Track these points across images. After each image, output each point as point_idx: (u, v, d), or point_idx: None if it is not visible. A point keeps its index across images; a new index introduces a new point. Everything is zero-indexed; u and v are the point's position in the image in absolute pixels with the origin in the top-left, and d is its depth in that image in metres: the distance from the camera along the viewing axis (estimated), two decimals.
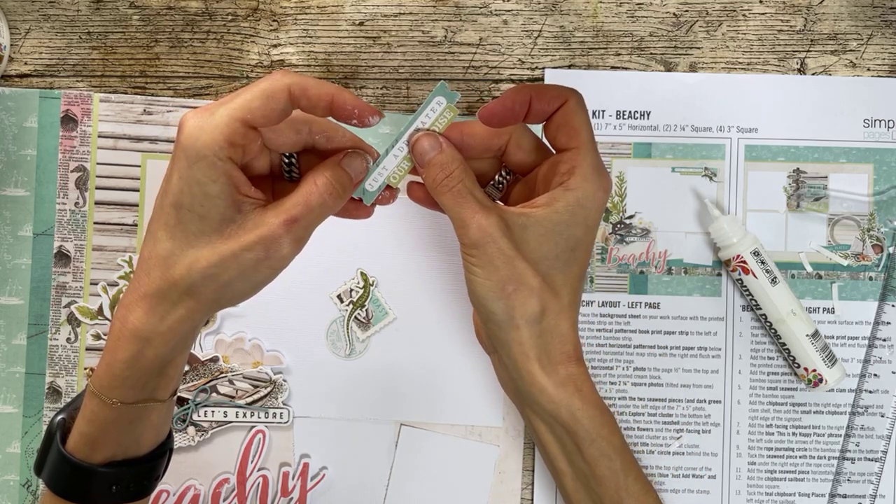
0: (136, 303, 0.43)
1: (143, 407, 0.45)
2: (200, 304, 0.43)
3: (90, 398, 0.45)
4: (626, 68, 0.61)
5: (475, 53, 0.61)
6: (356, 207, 0.47)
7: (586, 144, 0.46)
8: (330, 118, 0.45)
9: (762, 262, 0.58)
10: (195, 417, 0.60)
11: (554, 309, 0.46)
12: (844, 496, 0.60)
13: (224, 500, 0.60)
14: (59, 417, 0.47)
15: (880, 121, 0.61)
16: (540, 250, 0.45)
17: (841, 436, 0.60)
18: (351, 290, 0.61)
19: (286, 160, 0.47)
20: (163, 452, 0.48)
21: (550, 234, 0.45)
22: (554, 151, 0.48)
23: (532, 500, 0.60)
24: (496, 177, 0.50)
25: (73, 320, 0.60)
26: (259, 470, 0.60)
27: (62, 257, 0.61)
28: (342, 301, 0.61)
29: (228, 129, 0.41)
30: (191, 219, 0.42)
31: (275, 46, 0.61)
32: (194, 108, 0.60)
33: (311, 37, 0.61)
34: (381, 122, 0.45)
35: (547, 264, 0.46)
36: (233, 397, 0.60)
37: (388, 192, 0.47)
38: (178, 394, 0.60)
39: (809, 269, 0.61)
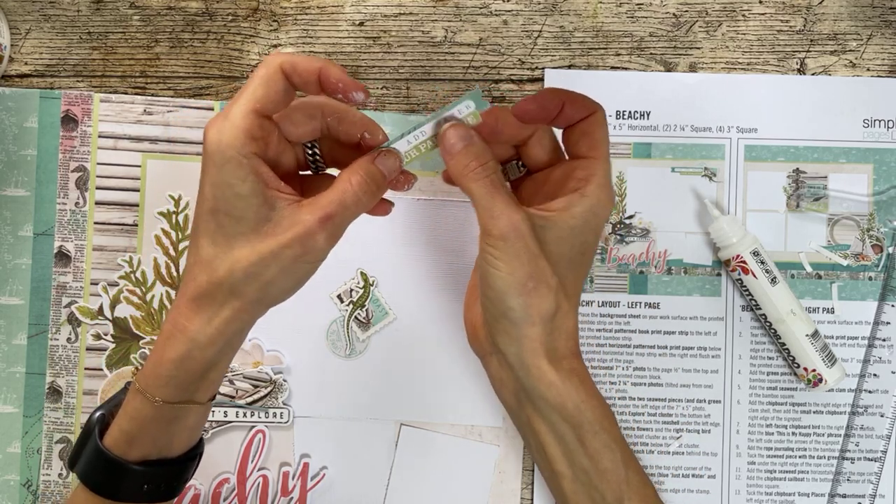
0: (186, 306, 0.44)
1: (182, 408, 0.46)
2: (245, 303, 0.44)
3: (134, 395, 0.46)
4: (625, 68, 0.61)
5: (475, 53, 0.61)
6: (377, 204, 0.48)
7: (605, 156, 0.48)
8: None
9: (762, 262, 0.58)
10: None
11: (564, 308, 0.47)
12: (844, 496, 0.60)
13: (224, 500, 0.60)
14: (99, 413, 0.48)
15: (880, 121, 0.61)
16: (557, 252, 0.46)
17: (841, 436, 0.60)
18: (351, 290, 0.61)
19: (309, 150, 0.48)
20: (194, 455, 0.49)
21: (567, 236, 0.46)
22: (567, 157, 0.49)
23: (532, 500, 0.60)
24: (516, 161, 0.51)
25: (73, 320, 0.60)
26: (259, 470, 0.60)
27: (62, 257, 0.61)
28: (342, 301, 0.61)
29: (245, 123, 0.42)
30: (228, 222, 0.43)
31: (275, 46, 0.61)
32: (194, 108, 0.61)
33: (311, 37, 0.61)
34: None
35: (562, 266, 0.47)
36: (233, 397, 0.60)
37: (402, 177, 0.48)
38: None
39: (809, 269, 0.61)
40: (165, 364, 0.45)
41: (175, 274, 0.60)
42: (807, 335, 0.58)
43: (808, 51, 0.61)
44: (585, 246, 0.48)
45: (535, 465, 0.60)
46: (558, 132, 0.50)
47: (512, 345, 0.47)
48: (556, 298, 0.46)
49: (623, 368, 0.61)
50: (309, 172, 0.49)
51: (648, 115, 0.61)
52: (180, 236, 0.61)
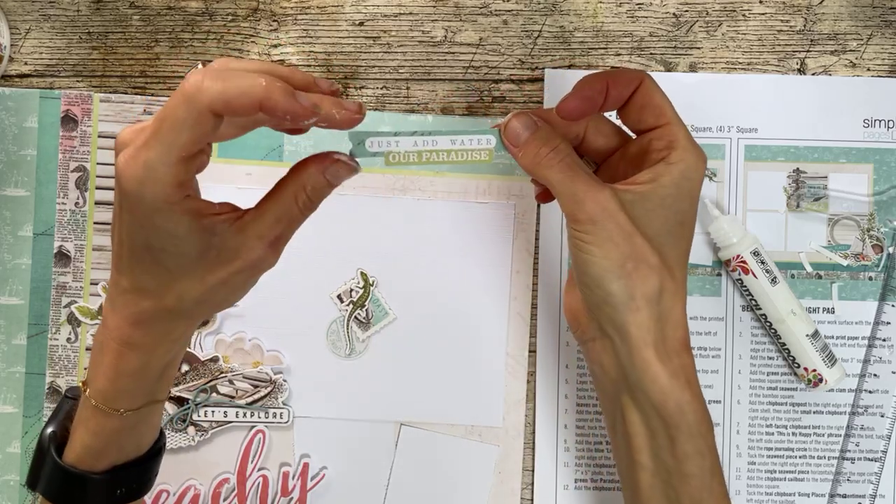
0: (130, 327, 0.42)
1: (146, 410, 0.45)
2: (198, 318, 0.45)
3: (93, 412, 0.45)
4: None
5: (475, 53, 0.61)
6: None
7: (675, 119, 0.45)
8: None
9: (762, 262, 0.58)
10: (195, 417, 0.60)
11: (670, 289, 0.44)
12: (844, 496, 0.60)
13: (224, 500, 0.60)
14: (49, 430, 0.47)
15: (880, 121, 0.61)
16: (652, 226, 0.44)
17: (841, 436, 0.60)
18: (351, 290, 0.61)
19: None
20: (159, 449, 0.49)
21: (659, 208, 0.44)
22: (633, 135, 0.47)
23: (532, 500, 0.60)
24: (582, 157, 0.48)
25: (73, 320, 0.60)
26: (259, 470, 0.60)
27: (62, 257, 0.61)
28: (342, 301, 0.61)
29: (172, 176, 0.37)
30: (166, 257, 0.40)
31: (275, 46, 0.61)
32: None
33: (311, 37, 0.61)
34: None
35: (660, 240, 0.44)
36: (233, 397, 0.60)
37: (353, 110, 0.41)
38: (179, 394, 0.60)
39: (809, 269, 0.61)
40: (124, 379, 0.43)
41: None
42: (807, 335, 0.58)
43: (808, 51, 0.61)
44: (682, 215, 0.45)
45: (541, 460, 0.60)
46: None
47: (619, 330, 0.44)
48: (659, 278, 0.43)
49: None
50: None
51: None
52: None
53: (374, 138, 0.43)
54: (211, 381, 0.60)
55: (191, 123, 0.36)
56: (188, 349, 0.60)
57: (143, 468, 0.47)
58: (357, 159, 0.43)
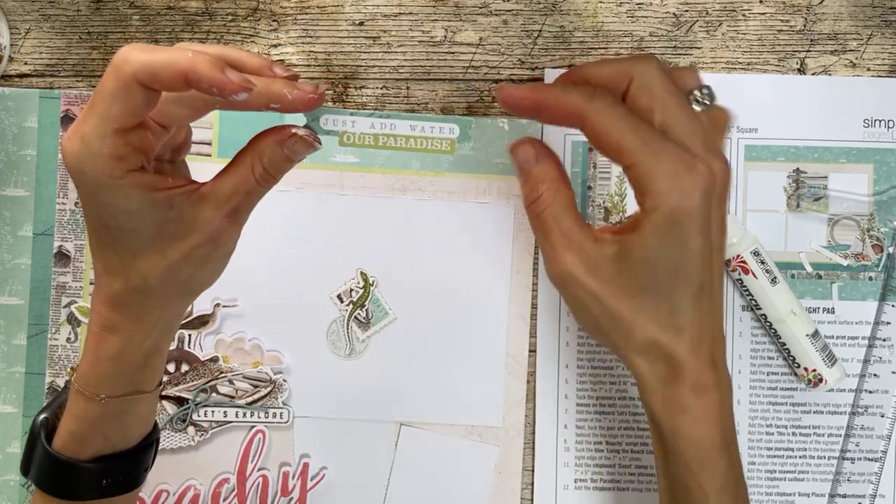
0: (109, 310, 0.43)
1: (131, 399, 0.45)
2: (168, 300, 0.43)
3: (76, 397, 0.45)
4: None
5: (475, 53, 0.61)
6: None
7: (643, 152, 0.37)
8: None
9: (762, 262, 0.58)
10: (195, 417, 0.60)
11: (661, 340, 0.41)
12: (844, 496, 0.60)
13: (224, 500, 0.60)
14: (42, 416, 0.47)
15: (880, 121, 0.61)
16: (635, 283, 0.39)
17: (841, 436, 0.60)
18: (351, 290, 0.61)
19: None
20: (150, 444, 0.48)
21: (643, 262, 0.39)
22: None
23: (532, 500, 0.60)
24: (697, 91, 0.41)
25: (73, 320, 0.60)
26: (259, 470, 0.60)
27: (62, 257, 0.61)
28: (342, 301, 0.61)
29: (107, 149, 0.37)
30: (125, 236, 0.40)
31: (275, 46, 0.61)
32: None
33: (311, 37, 0.61)
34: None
35: (650, 296, 0.40)
36: (233, 397, 0.60)
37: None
38: (179, 394, 0.60)
39: (809, 269, 0.61)
40: (104, 362, 0.43)
41: None
42: (807, 335, 0.58)
43: (808, 51, 0.61)
44: (672, 263, 0.39)
45: (541, 459, 0.60)
46: None
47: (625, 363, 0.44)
48: (641, 336, 0.41)
49: (623, 368, 0.60)
50: None
51: None
52: None
53: (329, 115, 0.41)
54: (211, 381, 0.60)
55: (120, 95, 0.36)
56: (188, 349, 0.60)
57: (131, 461, 0.47)
58: (319, 136, 0.41)
